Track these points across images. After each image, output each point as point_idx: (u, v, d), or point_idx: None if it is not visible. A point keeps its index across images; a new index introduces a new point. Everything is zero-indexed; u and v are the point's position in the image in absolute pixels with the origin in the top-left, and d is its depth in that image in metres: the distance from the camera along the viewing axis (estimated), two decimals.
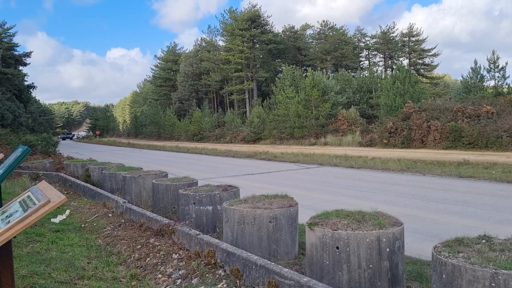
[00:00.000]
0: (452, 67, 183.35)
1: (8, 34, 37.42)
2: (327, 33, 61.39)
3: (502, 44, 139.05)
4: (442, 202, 9.16)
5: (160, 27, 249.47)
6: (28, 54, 38.47)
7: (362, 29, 65.70)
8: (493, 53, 30.99)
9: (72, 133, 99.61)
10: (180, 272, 4.54)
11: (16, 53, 37.14)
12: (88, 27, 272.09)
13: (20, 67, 37.65)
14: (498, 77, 31.06)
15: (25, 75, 37.21)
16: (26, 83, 37.55)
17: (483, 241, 3.33)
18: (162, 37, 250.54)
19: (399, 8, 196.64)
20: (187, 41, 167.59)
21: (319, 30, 62.55)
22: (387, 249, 3.73)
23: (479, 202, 9.09)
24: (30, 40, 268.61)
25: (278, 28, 69.87)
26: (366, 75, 47.32)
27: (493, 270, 2.71)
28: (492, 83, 31.79)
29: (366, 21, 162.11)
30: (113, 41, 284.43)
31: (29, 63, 39.15)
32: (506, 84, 30.51)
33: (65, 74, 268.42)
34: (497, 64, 30.92)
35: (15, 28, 53.57)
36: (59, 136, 72.42)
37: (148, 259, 5.10)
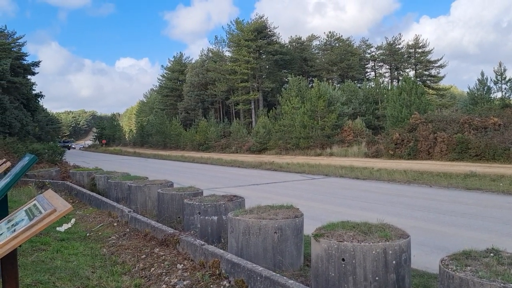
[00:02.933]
0: (460, 79, 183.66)
1: (17, 43, 37.95)
2: (333, 44, 61.62)
3: (510, 56, 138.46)
4: (449, 214, 9.08)
5: (171, 38, 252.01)
6: (36, 64, 38.94)
7: (367, 40, 65.77)
8: (500, 65, 30.94)
9: (75, 143, 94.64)
10: (185, 283, 4.51)
11: (25, 62, 37.60)
12: (99, 37, 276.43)
13: (29, 76, 38.07)
14: (505, 88, 30.96)
15: (33, 84, 37.65)
16: (34, 92, 37.95)
17: (491, 254, 3.28)
18: (172, 47, 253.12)
19: (407, 20, 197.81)
20: (197, 52, 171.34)
21: (325, 41, 62.85)
22: (394, 262, 3.69)
23: (487, 214, 9.00)
24: (43, 49, 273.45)
25: (286, 39, 70.10)
26: (372, 86, 47.35)
27: (502, 284, 2.67)
28: (499, 94, 31.69)
29: (375, 33, 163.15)
30: (123, 51, 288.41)
31: (37, 72, 39.64)
32: None
33: (74, 83, 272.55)
34: (504, 76, 30.84)
35: (26, 38, 54.30)
36: None
37: (153, 269, 5.08)
